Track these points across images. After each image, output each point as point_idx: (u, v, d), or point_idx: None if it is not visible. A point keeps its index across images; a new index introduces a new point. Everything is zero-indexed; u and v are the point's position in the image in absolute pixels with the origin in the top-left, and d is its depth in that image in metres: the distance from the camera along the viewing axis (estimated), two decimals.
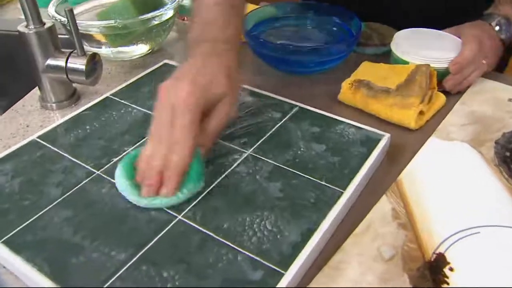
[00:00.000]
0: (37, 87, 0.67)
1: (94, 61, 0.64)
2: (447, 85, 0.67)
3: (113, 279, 0.41)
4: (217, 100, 0.50)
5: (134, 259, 0.42)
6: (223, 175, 0.51)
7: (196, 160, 0.48)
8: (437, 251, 0.46)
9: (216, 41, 0.54)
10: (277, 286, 0.40)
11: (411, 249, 0.47)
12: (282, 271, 0.41)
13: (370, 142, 0.56)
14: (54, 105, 0.66)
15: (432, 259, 0.45)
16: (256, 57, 0.74)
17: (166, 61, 0.73)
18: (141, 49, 0.78)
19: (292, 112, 0.61)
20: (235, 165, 0.52)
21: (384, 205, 0.51)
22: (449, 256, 0.45)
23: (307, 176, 0.51)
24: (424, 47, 0.69)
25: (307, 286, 0.42)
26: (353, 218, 0.50)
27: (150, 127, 0.48)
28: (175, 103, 0.46)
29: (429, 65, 0.65)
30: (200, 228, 0.45)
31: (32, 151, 0.55)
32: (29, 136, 0.58)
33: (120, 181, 0.49)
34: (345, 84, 0.68)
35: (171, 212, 0.47)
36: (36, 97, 0.68)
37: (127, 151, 0.55)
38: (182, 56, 0.80)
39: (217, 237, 0.44)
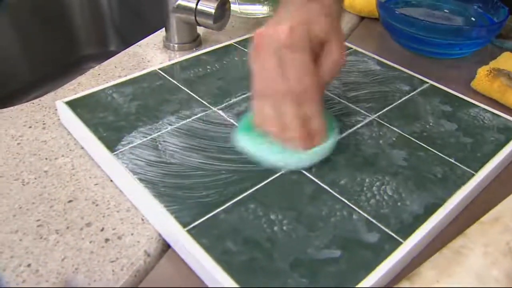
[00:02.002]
0: (162, 29, 0.68)
1: (224, 8, 0.63)
2: None
3: (218, 210, 0.39)
4: (320, 42, 0.42)
5: (243, 195, 0.40)
6: (344, 134, 0.47)
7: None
8: None
9: None
10: (395, 254, 0.36)
11: None
12: (401, 240, 0.37)
13: (509, 131, 0.50)
14: (176, 45, 0.66)
15: None
16: (384, 35, 0.70)
17: None
18: (265, 10, 0.76)
19: (422, 88, 0.56)
20: (357, 126, 0.49)
21: None
22: None
23: (435, 151, 0.46)
24: None
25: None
26: (479, 206, 0.44)
27: (255, 84, 0.42)
28: (279, 46, 0.39)
29: None
30: (315, 179, 0.42)
31: (152, 80, 0.55)
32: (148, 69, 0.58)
33: (253, 144, 0.44)
34: (482, 71, 0.61)
35: None
36: (160, 38, 0.69)
37: (245, 94, 0.53)
38: None
39: (332, 191, 0.41)
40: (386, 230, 0.38)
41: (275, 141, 0.43)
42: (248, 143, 0.44)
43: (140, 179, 0.41)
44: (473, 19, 0.73)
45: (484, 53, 0.68)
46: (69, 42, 0.98)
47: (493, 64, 0.63)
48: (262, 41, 0.41)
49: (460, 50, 0.66)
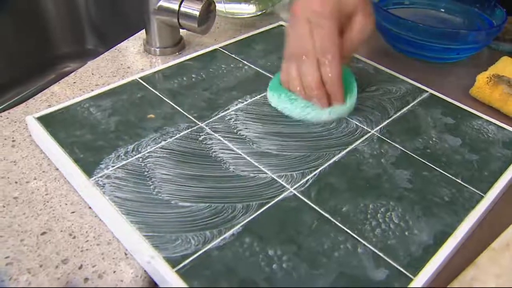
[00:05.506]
0: (143, 30, 0.63)
1: (209, 9, 0.58)
2: None
3: (210, 245, 0.35)
4: (350, 13, 0.46)
5: (237, 227, 0.36)
6: (343, 152, 0.44)
7: (344, 69, 0.47)
8: None
9: None
10: None
11: None
12: (411, 276, 0.34)
13: None
14: (157, 50, 0.61)
15: None
16: (377, 36, 0.66)
17: (281, 22, 0.67)
18: (252, 9, 0.72)
19: (421, 97, 0.53)
20: (357, 143, 0.45)
21: None
22: None
23: (440, 170, 0.43)
24: None
25: None
26: (487, 228, 0.41)
27: (286, 46, 0.47)
28: (311, 15, 0.44)
29: None
30: (315, 207, 0.38)
31: (133, 91, 0.50)
32: (128, 77, 0.53)
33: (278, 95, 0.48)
34: (482, 78, 0.58)
35: (283, 183, 0.40)
36: (141, 41, 0.64)
37: (233, 108, 0.49)
38: None
39: (334, 220, 0.37)
40: (395, 265, 0.34)
41: (298, 98, 0.47)
42: (274, 99, 0.49)
43: (122, 211, 0.37)
44: (471, 17, 0.70)
45: (481, 56, 0.66)
46: (44, 40, 0.92)
47: (492, 69, 0.60)
48: (297, 11, 0.45)
49: (457, 55, 0.63)
